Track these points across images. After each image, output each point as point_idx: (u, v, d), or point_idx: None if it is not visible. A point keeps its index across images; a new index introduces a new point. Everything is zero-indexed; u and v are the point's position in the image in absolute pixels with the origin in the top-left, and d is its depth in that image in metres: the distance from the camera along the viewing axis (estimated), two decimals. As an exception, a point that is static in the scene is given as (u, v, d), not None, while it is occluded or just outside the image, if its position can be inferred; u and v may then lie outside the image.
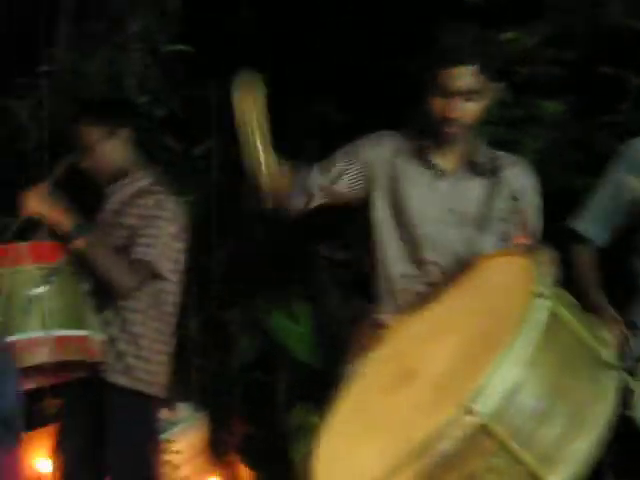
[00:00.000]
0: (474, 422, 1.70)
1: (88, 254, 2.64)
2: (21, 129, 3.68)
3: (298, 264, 3.94)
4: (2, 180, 3.40)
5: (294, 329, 3.54)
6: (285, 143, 4.46)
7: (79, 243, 2.63)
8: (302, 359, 3.51)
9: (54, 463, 3.10)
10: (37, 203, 2.65)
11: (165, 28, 3.86)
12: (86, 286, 2.70)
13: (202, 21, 3.96)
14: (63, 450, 2.99)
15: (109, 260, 2.66)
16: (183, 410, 3.51)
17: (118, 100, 3.14)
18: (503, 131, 3.32)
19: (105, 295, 2.73)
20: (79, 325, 2.64)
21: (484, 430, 1.72)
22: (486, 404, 1.70)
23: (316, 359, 3.46)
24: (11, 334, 2.40)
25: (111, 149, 2.79)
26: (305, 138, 4.52)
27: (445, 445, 1.70)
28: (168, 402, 3.15)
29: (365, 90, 4.06)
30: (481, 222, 2.33)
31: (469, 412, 1.69)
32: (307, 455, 2.08)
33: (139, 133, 2.86)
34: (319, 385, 2.58)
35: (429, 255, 2.32)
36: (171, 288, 2.82)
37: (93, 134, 2.75)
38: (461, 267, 2.25)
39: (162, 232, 2.73)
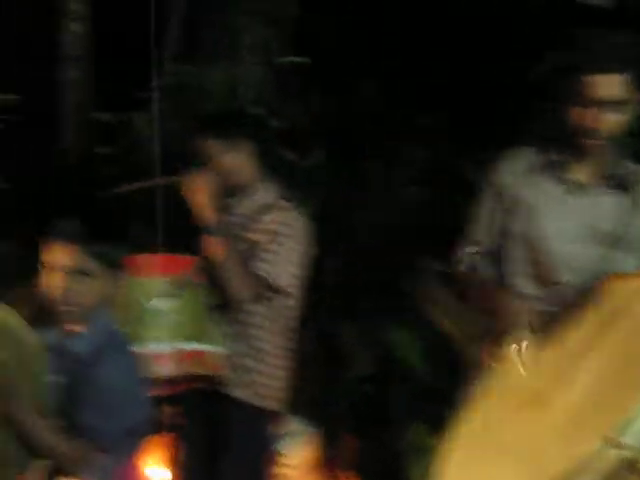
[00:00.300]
0: (621, 456, 1.61)
1: (216, 254, 2.64)
2: (139, 142, 3.75)
3: (411, 277, 3.88)
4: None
5: (414, 344, 3.46)
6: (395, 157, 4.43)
7: (215, 241, 2.64)
8: (421, 375, 3.42)
9: (170, 472, 3.14)
10: (196, 190, 2.67)
11: (280, 40, 3.86)
12: (211, 299, 2.71)
13: (316, 33, 3.97)
14: (179, 460, 3.02)
15: (235, 267, 2.65)
16: (294, 423, 3.49)
17: (238, 113, 3.13)
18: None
19: (227, 308, 2.73)
20: (203, 339, 2.65)
21: (630, 465, 1.62)
22: (636, 437, 1.60)
23: (435, 376, 3.38)
24: (137, 345, 2.42)
25: (232, 162, 2.78)
26: (414, 150, 4.47)
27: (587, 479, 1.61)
28: (281, 414, 3.14)
29: (477, 103, 3.98)
30: (618, 240, 2.19)
31: (616, 445, 1.60)
32: (427, 475, 2.02)
33: (257, 145, 2.84)
34: (438, 403, 2.51)
35: (561, 274, 2.21)
36: (293, 303, 2.80)
37: (214, 147, 2.75)
38: (596, 288, 2.13)
39: (285, 249, 2.71)
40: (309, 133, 4.13)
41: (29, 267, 2.16)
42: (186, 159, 2.85)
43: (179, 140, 3.14)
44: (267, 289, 2.70)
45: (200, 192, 2.66)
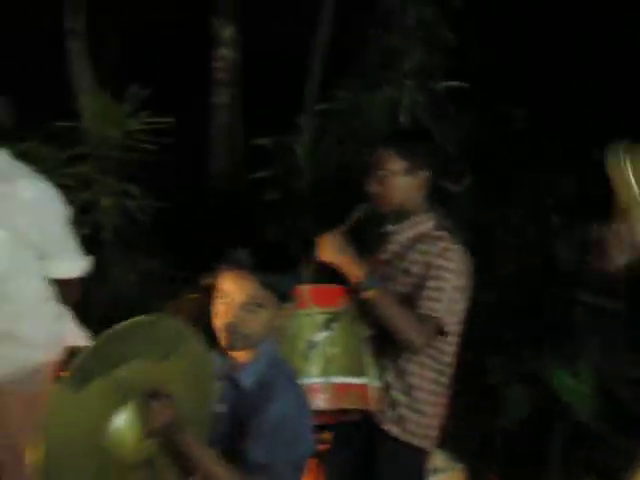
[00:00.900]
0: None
1: (377, 306, 2.58)
2: (296, 167, 3.77)
3: (554, 310, 3.70)
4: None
5: (577, 388, 3.26)
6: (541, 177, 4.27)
7: (369, 294, 2.58)
8: (584, 421, 3.21)
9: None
10: (332, 250, 2.63)
11: (438, 64, 3.80)
12: (365, 332, 2.64)
13: (473, 59, 3.91)
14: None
15: (397, 314, 2.57)
16: (441, 458, 3.37)
17: (426, 140, 3.01)
18: None
19: (382, 342, 2.65)
20: (358, 372, 2.57)
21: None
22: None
23: (602, 423, 3.16)
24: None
25: (405, 186, 2.70)
26: (561, 174, 4.33)
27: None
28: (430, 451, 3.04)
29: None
30: None
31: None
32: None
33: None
34: (605, 452, 2.34)
35: None
36: (452, 340, 2.70)
37: (395, 164, 2.67)
38: None
39: (448, 285, 2.60)
40: (461, 159, 4.04)
41: (176, 287, 2.16)
42: (343, 184, 2.81)
43: (336, 164, 3.13)
44: (437, 329, 2.60)
45: (334, 252, 2.61)
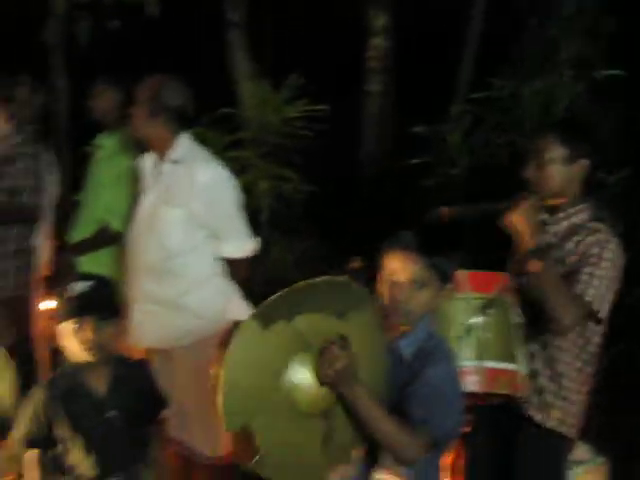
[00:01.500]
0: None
1: (539, 278, 2.62)
2: (449, 155, 3.82)
3: None
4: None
5: None
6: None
7: (535, 265, 2.61)
8: None
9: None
10: (522, 216, 2.66)
11: (598, 53, 3.74)
12: (518, 318, 2.69)
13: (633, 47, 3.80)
14: (461, 468, 3.03)
15: (555, 289, 2.59)
16: (584, 450, 3.34)
17: (586, 129, 3.00)
18: None
19: (533, 329, 2.69)
20: (509, 358, 2.61)
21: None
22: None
23: None
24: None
25: (563, 173, 2.70)
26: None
27: None
28: (574, 441, 3.03)
29: None
30: None
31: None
32: None
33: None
34: None
35: None
36: (600, 329, 2.69)
37: (555, 151, 2.64)
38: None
39: (602, 273, 2.60)
40: (617, 149, 3.95)
41: (329, 268, 2.25)
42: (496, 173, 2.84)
43: (489, 153, 3.14)
44: (589, 314, 2.61)
45: (524, 218, 2.63)
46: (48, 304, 4.39)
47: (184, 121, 3.08)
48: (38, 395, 2.46)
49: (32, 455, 2.45)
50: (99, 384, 2.47)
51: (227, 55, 5.97)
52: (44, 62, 5.64)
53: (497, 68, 3.99)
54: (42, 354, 4.20)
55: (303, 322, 1.96)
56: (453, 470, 3.08)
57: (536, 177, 2.69)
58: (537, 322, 2.63)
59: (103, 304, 2.47)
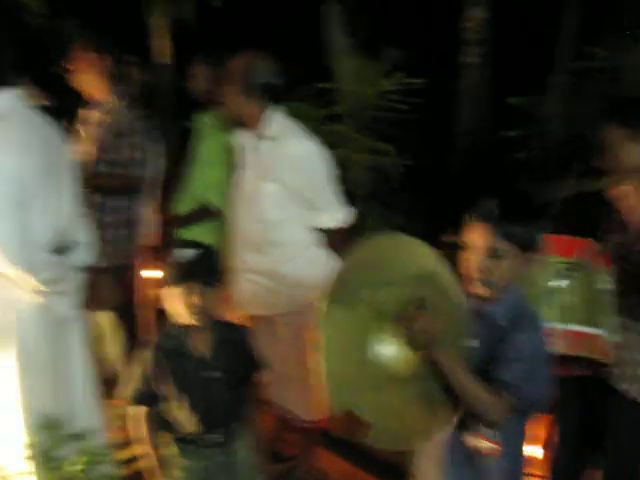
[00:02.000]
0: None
1: None
2: (546, 127, 3.74)
3: None
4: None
5: None
6: None
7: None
8: None
9: (542, 450, 3.16)
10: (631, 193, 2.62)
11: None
12: (606, 285, 2.67)
13: None
14: (552, 440, 3.04)
15: None
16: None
17: None
18: None
19: (629, 300, 2.66)
20: (594, 323, 2.62)
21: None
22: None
23: None
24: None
25: (635, 153, 2.67)
26: None
27: None
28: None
29: None
30: None
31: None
32: None
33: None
34: None
35: None
36: None
37: (616, 134, 2.63)
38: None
39: None
40: None
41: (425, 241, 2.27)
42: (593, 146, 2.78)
43: (587, 126, 3.06)
44: None
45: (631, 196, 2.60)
46: (153, 273, 4.62)
47: (276, 97, 3.16)
48: (145, 355, 2.56)
49: (140, 412, 2.54)
50: (202, 346, 2.56)
51: (323, 28, 6.01)
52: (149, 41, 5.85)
53: (598, 38, 3.89)
54: (147, 318, 4.42)
55: (380, 291, 2.04)
56: (545, 443, 3.10)
57: (610, 166, 2.64)
58: (631, 293, 2.61)
59: (209, 271, 2.53)
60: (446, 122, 6.02)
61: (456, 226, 2.25)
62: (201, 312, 2.51)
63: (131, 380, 2.57)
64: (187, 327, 2.54)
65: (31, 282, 2.45)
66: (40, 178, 2.45)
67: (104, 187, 3.71)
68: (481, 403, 2.07)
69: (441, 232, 2.89)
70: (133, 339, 3.92)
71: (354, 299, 2.03)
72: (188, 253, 2.52)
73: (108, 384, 3.30)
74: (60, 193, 2.55)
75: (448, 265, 2.14)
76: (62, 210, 2.56)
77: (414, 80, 4.87)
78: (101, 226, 3.71)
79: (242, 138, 3.28)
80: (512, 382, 2.06)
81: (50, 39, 6.09)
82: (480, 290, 2.16)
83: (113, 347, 3.88)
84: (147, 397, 2.54)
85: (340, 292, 2.03)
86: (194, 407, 2.52)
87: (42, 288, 2.48)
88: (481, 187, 2.24)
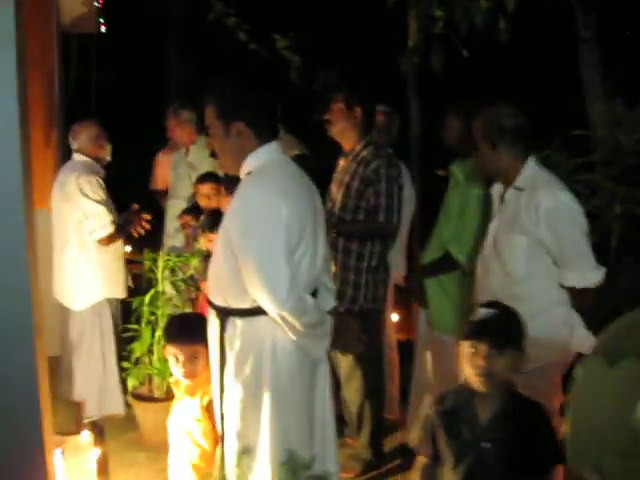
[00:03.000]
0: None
1: None
2: None
3: None
4: None
5: None
6: None
7: None
8: None
9: None
10: None
11: None
12: None
13: None
14: None
15: None
16: None
17: None
18: None
19: None
20: None
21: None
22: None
23: None
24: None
25: None
26: None
27: None
28: None
29: None
30: None
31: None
32: None
33: None
34: None
35: None
36: None
37: None
38: None
39: None
40: None
41: None
42: None
43: None
44: None
45: None
46: (398, 316, 4.67)
47: (526, 146, 3.10)
48: (429, 406, 2.54)
49: (420, 461, 2.56)
50: (483, 412, 2.44)
51: (577, 73, 5.82)
52: (400, 90, 5.99)
53: None
54: (392, 362, 4.47)
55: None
56: None
57: None
58: None
59: (500, 332, 2.42)
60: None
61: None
62: (487, 375, 2.39)
63: (415, 427, 2.58)
64: (471, 387, 2.44)
65: (295, 325, 2.53)
66: (303, 223, 2.55)
67: (349, 232, 3.84)
68: None
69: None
70: (375, 381, 3.98)
71: (620, 362, 1.89)
72: (484, 311, 2.45)
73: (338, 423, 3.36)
74: (317, 237, 2.65)
75: None
76: (319, 253, 2.66)
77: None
78: (345, 270, 3.84)
79: (495, 189, 3.25)
80: None
81: (307, 90, 6.47)
82: None
83: (349, 390, 3.96)
84: (425, 450, 2.52)
85: (604, 354, 1.92)
86: (464, 475, 2.43)
87: (304, 331, 2.56)
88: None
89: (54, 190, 4.45)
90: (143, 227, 4.52)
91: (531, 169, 3.10)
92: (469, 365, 2.40)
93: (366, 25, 7.99)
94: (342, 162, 4.02)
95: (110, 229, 4.37)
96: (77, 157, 4.49)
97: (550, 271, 3.05)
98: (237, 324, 2.58)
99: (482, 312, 2.44)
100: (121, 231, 4.47)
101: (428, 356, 3.92)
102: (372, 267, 3.88)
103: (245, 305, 2.56)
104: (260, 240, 2.48)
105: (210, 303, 2.69)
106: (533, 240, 3.02)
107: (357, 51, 7.88)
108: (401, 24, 5.80)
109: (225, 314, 2.60)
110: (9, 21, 2.21)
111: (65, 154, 5.16)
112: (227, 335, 2.59)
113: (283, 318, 2.51)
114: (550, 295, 3.07)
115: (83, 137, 4.49)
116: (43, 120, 5.31)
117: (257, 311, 2.54)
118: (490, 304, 2.51)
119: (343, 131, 3.91)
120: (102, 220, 4.35)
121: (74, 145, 4.51)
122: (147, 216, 4.54)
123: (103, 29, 6.13)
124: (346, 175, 3.91)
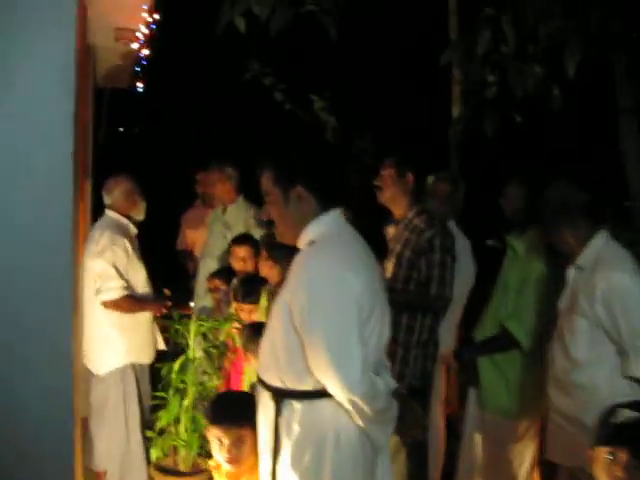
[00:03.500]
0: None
1: None
2: None
3: None
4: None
5: None
6: None
7: None
8: None
9: None
10: None
11: None
12: None
13: None
14: None
15: None
16: None
17: None
18: None
19: None
20: None
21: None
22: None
23: None
24: None
25: None
26: None
27: None
28: None
29: None
30: None
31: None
32: None
33: None
34: None
35: None
36: None
37: None
38: None
39: None
40: None
41: None
42: None
43: None
44: None
45: None
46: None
47: (592, 222, 2.92)
48: None
49: None
50: None
51: (620, 143, 5.68)
52: (440, 153, 5.86)
53: None
54: (439, 451, 4.17)
55: None
56: None
57: None
58: None
59: None
60: None
61: None
62: None
63: None
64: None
65: (365, 410, 2.28)
66: (373, 298, 2.33)
67: (399, 302, 3.61)
68: None
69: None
70: (418, 464, 3.74)
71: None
72: (628, 414, 2.21)
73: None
74: (384, 312, 2.42)
75: None
76: (385, 331, 2.42)
77: None
78: (393, 344, 3.61)
79: (557, 266, 3.05)
80: None
81: (343, 152, 6.35)
82: None
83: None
84: None
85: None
86: None
87: (373, 416, 2.30)
88: None
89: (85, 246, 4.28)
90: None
91: (595, 246, 2.91)
92: (605, 475, 2.14)
93: (403, 89, 7.92)
94: (392, 230, 3.85)
95: (115, 294, 4.10)
96: (109, 213, 4.33)
97: (613, 358, 2.82)
98: (295, 407, 2.30)
99: (622, 414, 2.19)
100: (135, 304, 4.23)
101: (478, 438, 3.66)
102: (422, 341, 3.66)
103: (306, 387, 2.29)
104: (330, 316, 2.22)
105: (262, 382, 2.44)
106: (594, 323, 2.81)
107: (392, 112, 7.78)
108: (442, 89, 5.70)
109: (281, 395, 2.34)
110: (69, 71, 2.10)
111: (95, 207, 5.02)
112: (283, 419, 2.32)
113: (353, 403, 2.25)
114: (615, 386, 2.80)
115: (117, 193, 4.33)
116: (80, 173, 5.18)
117: (320, 394, 2.28)
118: (632, 404, 2.24)
119: (394, 198, 3.76)
120: (108, 283, 4.09)
121: (107, 200, 4.35)
122: (167, 305, 4.37)
123: (140, 85, 6.03)
124: (397, 244, 3.73)
